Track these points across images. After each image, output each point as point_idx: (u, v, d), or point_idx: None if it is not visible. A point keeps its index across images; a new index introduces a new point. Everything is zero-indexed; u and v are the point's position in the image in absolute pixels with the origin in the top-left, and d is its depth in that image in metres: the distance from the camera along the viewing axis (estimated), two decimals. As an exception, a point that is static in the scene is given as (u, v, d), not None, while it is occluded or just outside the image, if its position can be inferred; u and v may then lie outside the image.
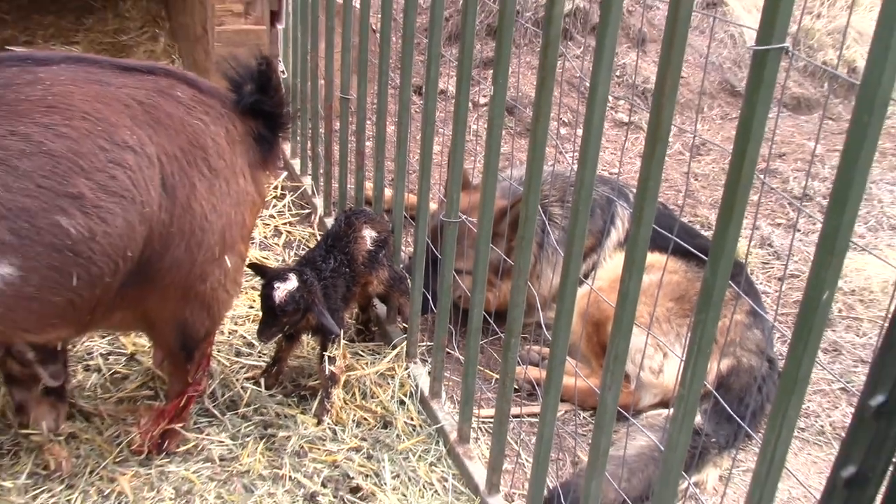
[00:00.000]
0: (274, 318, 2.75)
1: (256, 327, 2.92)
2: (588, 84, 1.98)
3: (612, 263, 3.34)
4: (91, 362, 3.07)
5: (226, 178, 2.42)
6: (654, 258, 2.71)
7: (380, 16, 3.16)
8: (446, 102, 5.02)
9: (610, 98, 5.61)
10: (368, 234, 3.10)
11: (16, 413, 2.66)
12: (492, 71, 2.50)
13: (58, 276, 2.17)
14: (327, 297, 2.88)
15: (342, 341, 2.98)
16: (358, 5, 3.48)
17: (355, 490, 2.64)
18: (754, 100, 1.55)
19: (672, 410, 1.92)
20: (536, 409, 3.07)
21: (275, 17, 4.09)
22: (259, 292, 2.85)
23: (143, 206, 2.23)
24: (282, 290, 2.71)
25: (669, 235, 2.12)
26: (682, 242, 2.29)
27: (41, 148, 2.10)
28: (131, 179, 2.20)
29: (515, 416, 2.94)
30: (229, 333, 3.29)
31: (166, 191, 2.29)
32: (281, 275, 2.76)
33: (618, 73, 5.78)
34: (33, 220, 2.09)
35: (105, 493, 2.54)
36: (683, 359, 1.83)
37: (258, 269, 2.92)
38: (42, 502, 2.49)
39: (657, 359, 3.05)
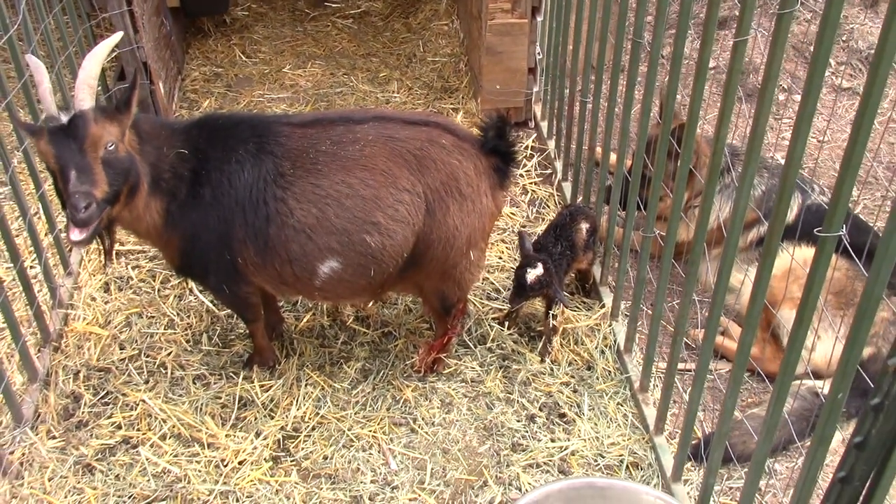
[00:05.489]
0: (523, 293, 3.83)
1: (503, 277, 4.03)
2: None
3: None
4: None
5: (472, 199, 3.46)
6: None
7: None
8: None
9: (832, 62, 5.66)
10: (584, 227, 4.07)
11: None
12: (725, 32, 2.66)
13: (362, 269, 3.41)
14: (554, 274, 3.91)
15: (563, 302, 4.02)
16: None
17: (562, 416, 3.75)
18: None
19: (829, 388, 2.45)
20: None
21: (535, 11, 4.96)
22: (514, 268, 3.93)
23: (414, 226, 3.37)
24: (532, 274, 3.77)
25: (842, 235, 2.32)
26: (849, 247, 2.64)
27: (358, 193, 3.30)
28: (407, 210, 3.34)
29: (683, 371, 3.86)
30: (483, 280, 4.44)
31: (429, 213, 3.39)
32: (532, 262, 3.81)
33: (843, 38, 5.89)
34: (350, 237, 3.33)
35: (396, 399, 3.83)
36: (842, 348, 2.32)
37: (521, 240, 3.99)
38: (357, 399, 3.84)
39: (810, 339, 3.79)
